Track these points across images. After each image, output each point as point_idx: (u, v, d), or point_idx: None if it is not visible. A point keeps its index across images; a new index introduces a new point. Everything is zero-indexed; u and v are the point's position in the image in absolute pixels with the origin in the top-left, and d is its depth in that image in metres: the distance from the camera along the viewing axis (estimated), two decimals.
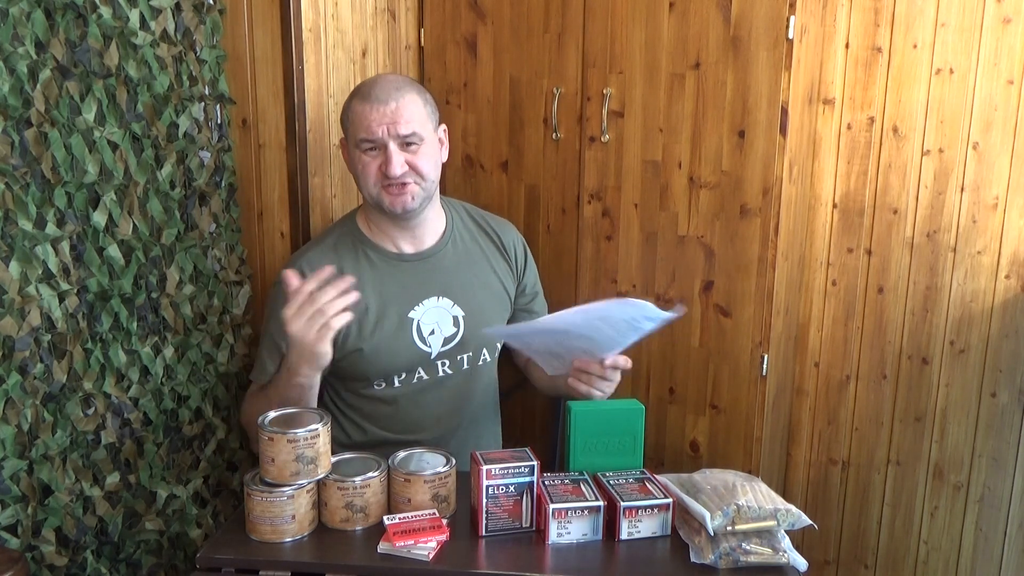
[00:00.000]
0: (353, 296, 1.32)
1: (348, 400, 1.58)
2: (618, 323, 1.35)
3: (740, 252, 1.79)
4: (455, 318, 1.57)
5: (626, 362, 1.43)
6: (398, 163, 1.45)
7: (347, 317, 1.32)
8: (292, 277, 1.31)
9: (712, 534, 1.20)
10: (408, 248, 1.57)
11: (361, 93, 1.48)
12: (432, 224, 1.59)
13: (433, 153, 1.51)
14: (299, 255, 1.55)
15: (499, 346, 1.66)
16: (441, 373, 1.58)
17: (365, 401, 1.57)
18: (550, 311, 1.82)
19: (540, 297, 1.78)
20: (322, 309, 1.29)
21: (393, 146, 1.45)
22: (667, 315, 1.32)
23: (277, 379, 1.45)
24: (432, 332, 1.55)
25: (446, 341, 1.56)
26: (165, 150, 1.41)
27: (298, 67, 1.61)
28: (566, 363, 1.46)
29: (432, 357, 1.56)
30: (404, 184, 1.47)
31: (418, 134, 1.47)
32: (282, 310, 1.32)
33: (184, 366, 1.48)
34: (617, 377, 1.45)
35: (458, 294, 1.58)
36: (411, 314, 1.54)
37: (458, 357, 1.59)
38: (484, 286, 1.63)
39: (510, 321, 1.70)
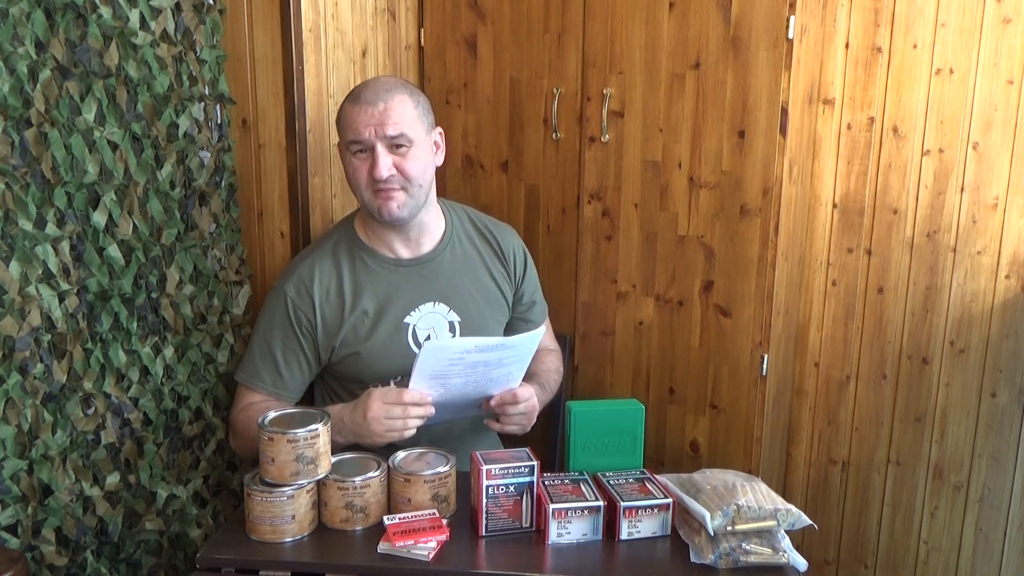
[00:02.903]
0: (431, 411, 1.38)
1: (345, 399, 1.58)
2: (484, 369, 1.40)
3: (740, 252, 1.79)
4: (451, 324, 1.57)
5: (512, 396, 1.44)
6: (385, 165, 1.44)
7: (413, 432, 1.38)
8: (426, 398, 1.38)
9: (712, 534, 1.20)
10: (405, 253, 1.57)
11: (352, 95, 1.47)
12: (430, 229, 1.59)
13: (423, 156, 1.48)
14: (297, 261, 1.55)
15: None
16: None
17: None
18: (551, 312, 1.82)
19: (538, 306, 1.76)
20: (407, 422, 1.36)
21: (381, 148, 1.44)
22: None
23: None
24: (428, 337, 1.55)
25: None
26: (165, 150, 1.41)
27: (298, 67, 1.61)
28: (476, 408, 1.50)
29: None
30: (391, 189, 1.46)
31: (406, 135, 1.45)
32: (371, 400, 1.36)
33: (184, 366, 1.47)
34: (512, 411, 1.45)
35: (454, 300, 1.58)
36: (407, 319, 1.54)
37: None
38: (481, 292, 1.63)
39: (507, 328, 1.69)
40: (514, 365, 1.42)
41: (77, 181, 1.22)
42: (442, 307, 1.57)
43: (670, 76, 1.80)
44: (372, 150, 1.44)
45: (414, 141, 1.46)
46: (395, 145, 1.45)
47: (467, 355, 1.36)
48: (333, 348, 1.51)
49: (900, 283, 2.11)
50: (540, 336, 1.43)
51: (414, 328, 1.54)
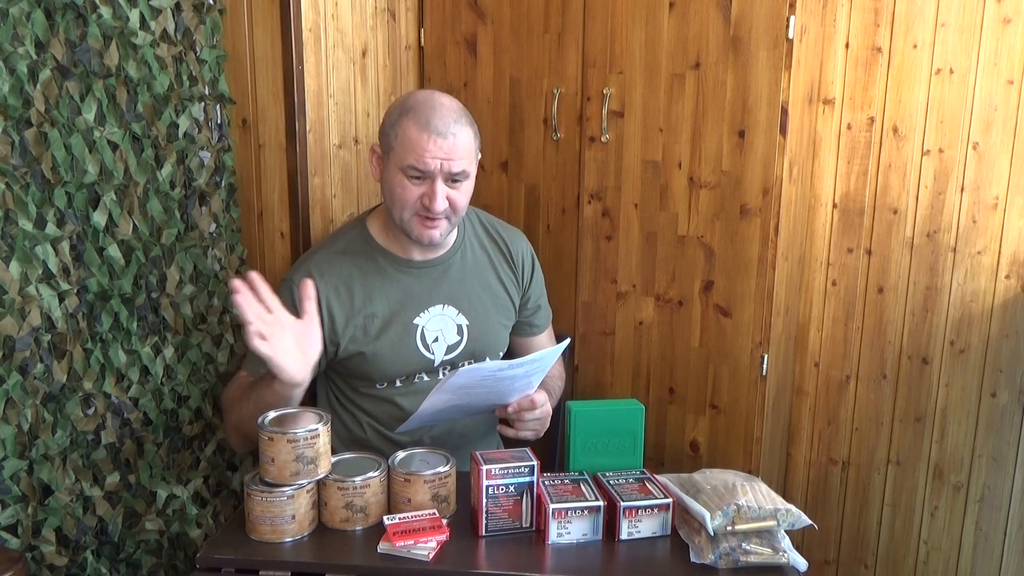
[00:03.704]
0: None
1: (350, 396, 1.59)
2: (497, 382, 1.39)
3: (740, 252, 1.79)
4: (459, 326, 1.57)
5: (530, 403, 1.44)
6: (442, 199, 1.43)
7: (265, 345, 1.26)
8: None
9: (712, 534, 1.20)
10: (418, 256, 1.57)
11: (418, 118, 1.41)
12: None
13: (471, 187, 1.49)
14: (307, 257, 1.55)
15: (502, 354, 1.66)
16: (442, 377, 1.58)
17: (366, 399, 1.57)
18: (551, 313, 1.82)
19: (543, 311, 1.75)
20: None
21: (440, 181, 1.42)
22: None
23: (263, 380, 1.38)
24: (436, 339, 1.55)
25: (449, 349, 1.56)
26: (165, 150, 1.41)
27: (298, 67, 1.61)
28: (489, 410, 1.50)
29: (435, 364, 1.56)
30: (438, 219, 1.45)
31: (466, 171, 1.44)
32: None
33: (184, 366, 1.47)
34: (529, 416, 1.45)
35: (463, 303, 1.58)
36: (416, 320, 1.54)
37: (460, 364, 1.58)
38: (490, 295, 1.63)
39: (513, 330, 1.70)
40: (535, 375, 1.43)
41: (77, 181, 1.22)
42: (451, 310, 1.57)
43: (670, 76, 1.80)
44: (432, 180, 1.42)
45: (470, 175, 1.46)
46: (453, 179, 1.44)
47: (499, 372, 1.36)
48: (339, 345, 1.51)
49: (900, 283, 2.11)
50: (564, 347, 1.44)
51: (423, 329, 1.54)
